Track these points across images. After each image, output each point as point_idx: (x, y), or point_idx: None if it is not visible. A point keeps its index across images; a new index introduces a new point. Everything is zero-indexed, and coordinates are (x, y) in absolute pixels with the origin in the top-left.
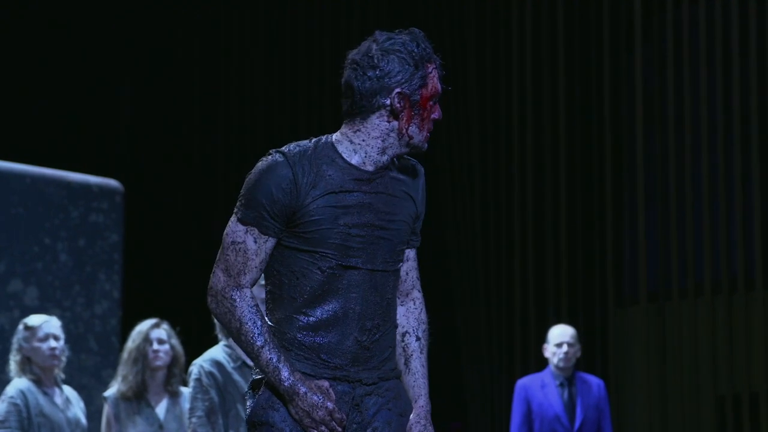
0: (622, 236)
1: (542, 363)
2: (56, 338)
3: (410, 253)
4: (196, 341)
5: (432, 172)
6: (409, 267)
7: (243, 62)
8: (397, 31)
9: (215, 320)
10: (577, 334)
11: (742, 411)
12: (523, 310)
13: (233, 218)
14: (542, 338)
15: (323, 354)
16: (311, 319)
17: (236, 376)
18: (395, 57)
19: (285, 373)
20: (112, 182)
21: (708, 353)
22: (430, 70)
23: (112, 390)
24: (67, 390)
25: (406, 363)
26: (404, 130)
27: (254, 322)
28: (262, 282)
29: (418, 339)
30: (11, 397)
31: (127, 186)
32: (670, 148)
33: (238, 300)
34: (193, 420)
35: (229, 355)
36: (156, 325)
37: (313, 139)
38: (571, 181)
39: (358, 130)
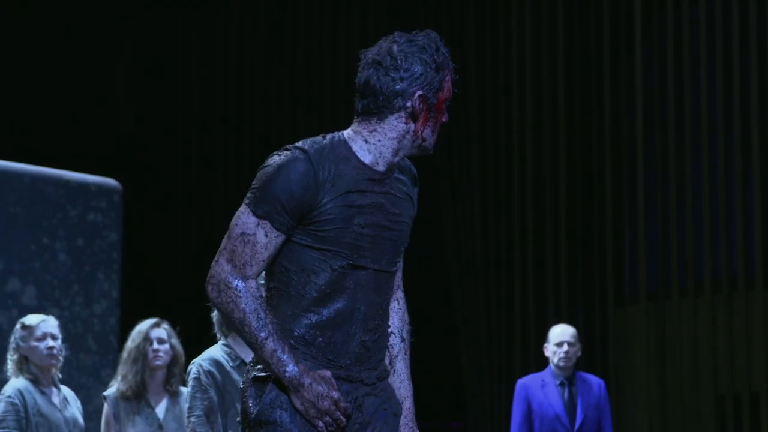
0: (622, 235)
1: (542, 363)
2: (54, 337)
3: None
4: (194, 340)
5: (432, 171)
6: (397, 267)
7: (242, 61)
8: (414, 32)
9: (213, 317)
10: (578, 334)
11: (742, 411)
12: (523, 309)
13: (244, 209)
14: (542, 338)
15: (329, 354)
16: (319, 317)
17: (235, 376)
18: (418, 59)
19: (289, 365)
20: (111, 181)
21: (708, 353)
22: (446, 74)
23: (111, 389)
24: (65, 390)
25: (391, 363)
26: (420, 133)
27: (258, 314)
28: (262, 280)
29: (402, 340)
30: (9, 397)
31: (126, 185)
32: (670, 147)
33: (242, 290)
34: (192, 419)
35: (228, 354)
36: (156, 325)
37: (327, 136)
38: (571, 181)
39: (374, 130)
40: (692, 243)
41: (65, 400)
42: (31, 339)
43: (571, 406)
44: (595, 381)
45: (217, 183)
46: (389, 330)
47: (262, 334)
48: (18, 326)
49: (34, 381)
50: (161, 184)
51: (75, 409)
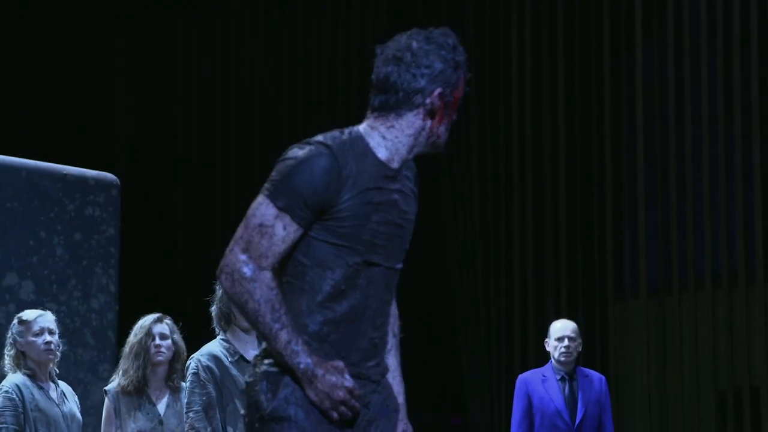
0: (622, 230)
1: (542, 358)
2: (51, 332)
3: None
4: (193, 336)
5: (431, 166)
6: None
7: (241, 57)
8: (429, 29)
9: (212, 311)
10: (578, 329)
11: (742, 405)
12: (523, 305)
13: (264, 200)
14: (542, 333)
15: (342, 350)
16: (333, 313)
17: (234, 371)
18: (438, 56)
19: (303, 356)
20: (109, 176)
21: (708, 347)
22: (462, 72)
23: (112, 384)
24: (62, 385)
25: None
26: (435, 130)
27: (273, 305)
28: None
29: (395, 335)
30: (6, 392)
31: (124, 179)
32: (670, 142)
33: (258, 281)
34: (191, 415)
35: (227, 350)
36: (159, 320)
37: (345, 131)
38: (571, 176)
39: (392, 126)
40: (692, 238)
41: (63, 395)
42: (28, 334)
43: (571, 401)
44: (596, 376)
45: (214, 177)
46: None
47: (276, 326)
48: (15, 321)
49: (32, 376)
50: (159, 178)
51: (73, 404)
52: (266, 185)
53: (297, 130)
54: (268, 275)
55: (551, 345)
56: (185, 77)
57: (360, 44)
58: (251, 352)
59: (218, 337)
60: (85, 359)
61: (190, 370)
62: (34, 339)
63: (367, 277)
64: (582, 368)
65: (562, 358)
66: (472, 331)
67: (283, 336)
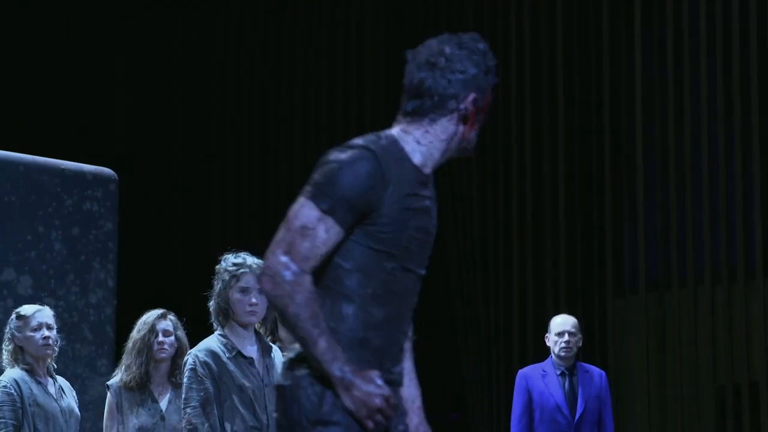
0: (621, 225)
1: (541, 353)
2: (49, 327)
3: None
4: (191, 331)
5: None
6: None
7: (239, 53)
8: (459, 34)
9: (210, 306)
10: (579, 324)
11: (741, 400)
12: (522, 300)
13: (306, 202)
14: (541, 328)
15: (380, 356)
16: (372, 319)
17: (231, 366)
18: (471, 62)
19: (341, 364)
20: (107, 170)
21: (707, 343)
22: (492, 78)
23: (115, 378)
24: (60, 380)
25: None
26: (466, 135)
27: (314, 310)
28: None
29: (408, 339)
30: (5, 387)
31: (122, 174)
32: (669, 136)
33: (299, 284)
34: (188, 410)
35: (225, 345)
36: (162, 316)
37: (381, 136)
38: (571, 171)
39: (427, 132)
40: (692, 233)
41: (61, 390)
42: (26, 329)
43: (571, 397)
44: (596, 372)
45: (212, 172)
46: None
47: (316, 331)
48: (13, 316)
49: (30, 371)
50: (158, 173)
51: (71, 399)
52: (308, 187)
53: (294, 124)
54: (308, 279)
55: (551, 340)
56: (183, 73)
57: (359, 44)
58: (249, 348)
59: (216, 333)
60: (83, 354)
61: (188, 366)
62: (32, 334)
63: (402, 283)
64: (582, 363)
65: (563, 353)
66: (471, 327)
67: (322, 343)
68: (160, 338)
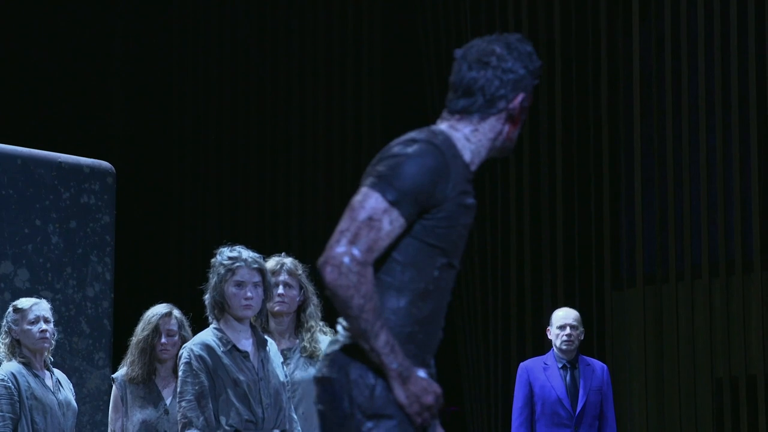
0: (619, 219)
1: (539, 346)
2: (46, 321)
3: None
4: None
5: None
6: None
7: (237, 48)
8: (505, 35)
9: (205, 300)
10: (581, 317)
11: (739, 394)
12: (520, 293)
13: (372, 193)
14: (539, 322)
15: (424, 351)
16: (420, 313)
17: (226, 360)
18: (520, 63)
19: (400, 356)
20: (104, 164)
21: (705, 336)
22: (536, 79)
23: (120, 371)
24: (58, 373)
25: None
26: (510, 134)
27: (376, 303)
28: None
29: None
30: (2, 380)
31: (119, 167)
32: (667, 130)
33: (365, 277)
34: (183, 404)
35: (220, 339)
36: (167, 315)
37: (435, 131)
38: (569, 164)
39: (476, 130)
40: (689, 226)
41: (58, 383)
42: (23, 322)
43: (573, 390)
44: (598, 365)
45: (209, 166)
46: None
47: (378, 323)
48: (10, 309)
49: (27, 364)
50: (155, 166)
51: (68, 392)
52: (371, 179)
53: (291, 119)
54: (371, 271)
55: (553, 333)
56: (181, 66)
57: (356, 43)
58: (244, 342)
59: (211, 326)
60: (81, 347)
61: (183, 360)
62: (29, 327)
63: (447, 278)
64: (584, 357)
65: (564, 346)
66: (468, 319)
67: (384, 335)
68: (163, 340)
